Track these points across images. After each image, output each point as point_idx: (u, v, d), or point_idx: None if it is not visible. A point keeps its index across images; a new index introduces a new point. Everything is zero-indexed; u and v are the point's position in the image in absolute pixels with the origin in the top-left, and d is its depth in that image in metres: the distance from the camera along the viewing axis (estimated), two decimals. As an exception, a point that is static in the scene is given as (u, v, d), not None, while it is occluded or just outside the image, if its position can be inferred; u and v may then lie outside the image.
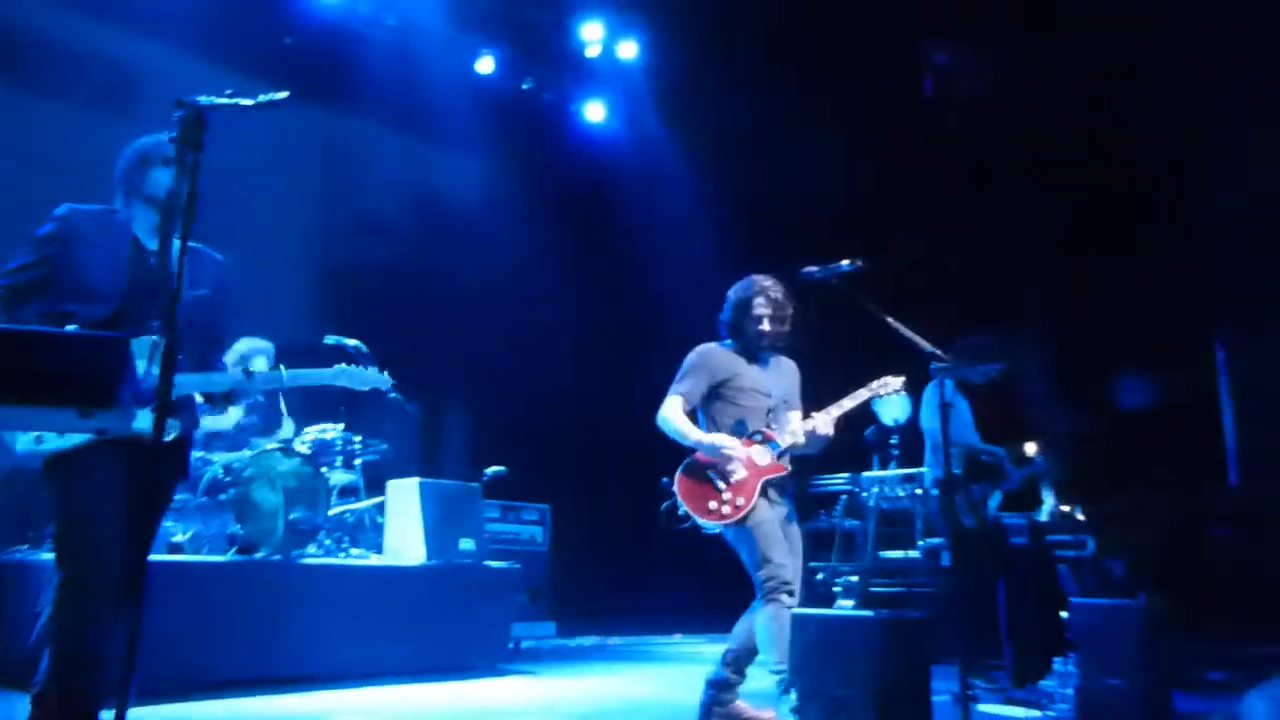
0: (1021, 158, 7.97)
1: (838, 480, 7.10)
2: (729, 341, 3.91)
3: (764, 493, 3.63)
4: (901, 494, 6.70)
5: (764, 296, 3.84)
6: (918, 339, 3.60)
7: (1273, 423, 6.77)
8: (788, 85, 8.24)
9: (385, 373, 3.30)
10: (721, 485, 3.59)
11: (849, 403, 3.74)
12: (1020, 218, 8.16)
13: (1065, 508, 5.86)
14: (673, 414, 3.71)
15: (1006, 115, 7.71)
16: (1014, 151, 7.87)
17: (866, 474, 6.98)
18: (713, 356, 3.84)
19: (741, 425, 3.76)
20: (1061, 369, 7.59)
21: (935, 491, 5.15)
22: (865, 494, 6.86)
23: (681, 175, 8.38)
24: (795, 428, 3.76)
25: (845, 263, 3.59)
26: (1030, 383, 7.07)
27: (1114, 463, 6.59)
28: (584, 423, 8.14)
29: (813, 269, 3.66)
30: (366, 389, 3.26)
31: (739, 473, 3.60)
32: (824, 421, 3.69)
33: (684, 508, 3.51)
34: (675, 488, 3.57)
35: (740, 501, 3.56)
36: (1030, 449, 5.11)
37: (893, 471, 6.83)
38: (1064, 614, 5.20)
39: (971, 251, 7.91)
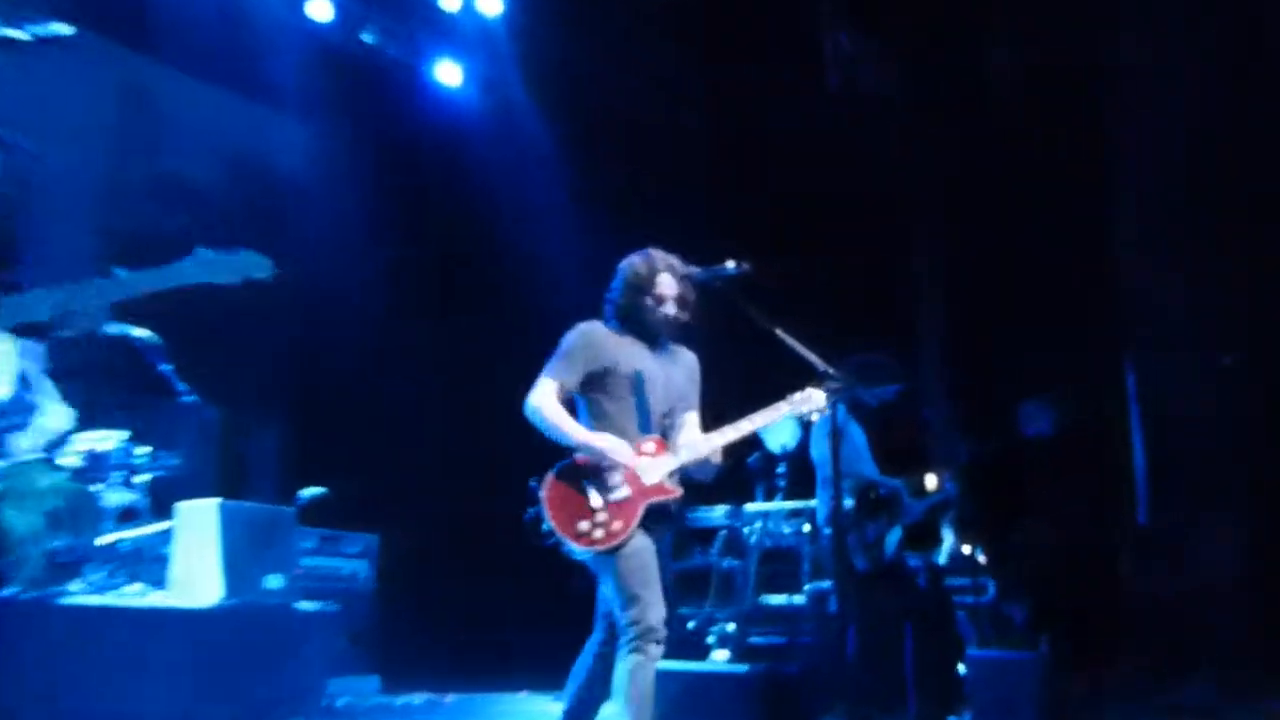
0: (923, 160, 8.23)
1: (715, 514, 7.10)
2: (616, 324, 3.86)
3: (644, 518, 3.57)
4: (788, 530, 6.75)
5: (671, 274, 3.80)
6: (810, 355, 3.71)
7: (1183, 449, 7.00)
8: (672, 61, 8.35)
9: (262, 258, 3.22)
10: (598, 502, 3.53)
11: (762, 418, 3.72)
12: (919, 225, 8.47)
13: (966, 548, 6.04)
14: (546, 402, 3.63)
15: (912, 114, 8.03)
16: (915, 153, 8.20)
17: (749, 507, 7.01)
18: (599, 338, 3.76)
19: (639, 426, 3.69)
20: (962, 392, 7.83)
21: (827, 529, 5.20)
22: (747, 530, 6.87)
23: (547, 151, 8.30)
24: (697, 439, 3.73)
25: (730, 264, 3.69)
26: (929, 407, 7.34)
27: (1017, 496, 6.87)
28: (425, 436, 8.03)
29: (693, 269, 3.75)
30: (238, 281, 3.16)
31: (621, 489, 3.55)
32: (727, 439, 3.69)
33: (548, 522, 3.45)
34: (543, 494, 3.49)
35: (617, 526, 3.50)
36: (931, 481, 5.23)
37: (779, 505, 6.87)
38: (961, 666, 5.41)
39: (865, 259, 8.01)
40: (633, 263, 3.86)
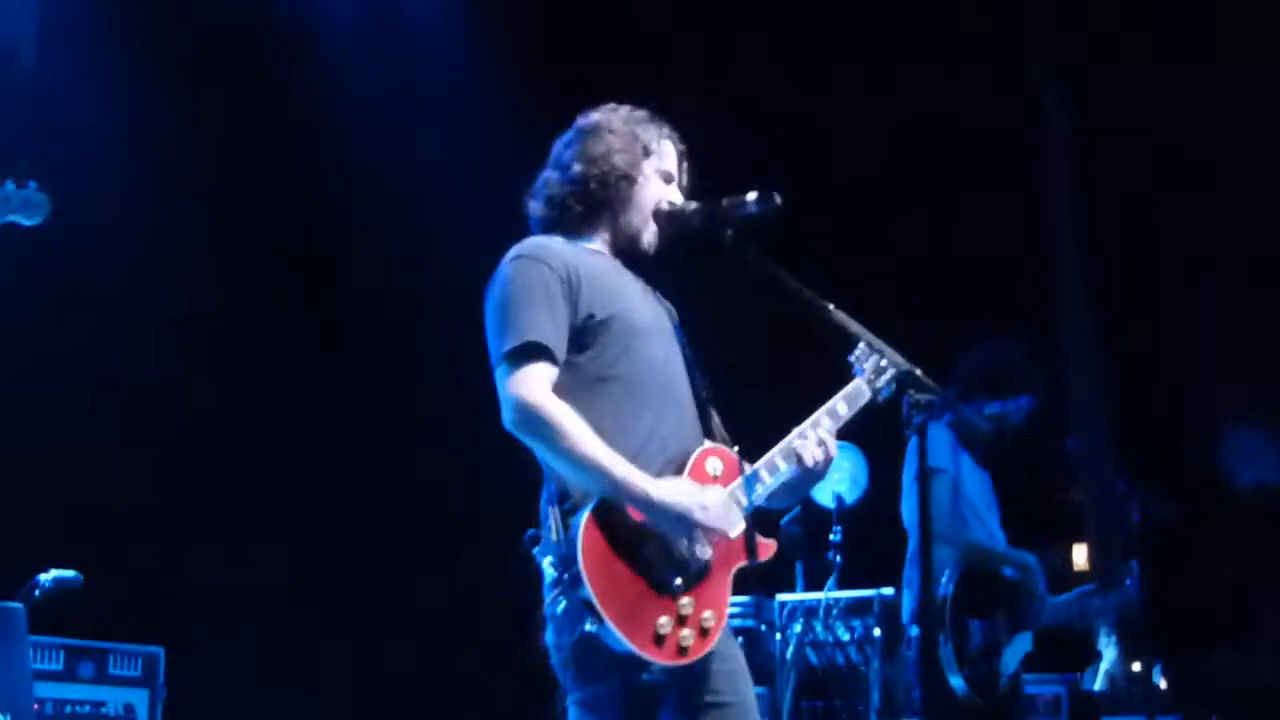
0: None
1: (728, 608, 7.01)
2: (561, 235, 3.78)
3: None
4: (846, 637, 6.67)
5: (671, 142, 3.77)
6: (888, 350, 3.65)
7: None
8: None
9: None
10: (679, 582, 3.40)
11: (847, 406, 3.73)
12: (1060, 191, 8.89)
13: (1136, 667, 6.02)
14: (546, 398, 3.49)
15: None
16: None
17: (783, 598, 6.93)
18: (574, 259, 3.64)
19: (673, 425, 3.59)
20: (1129, 412, 7.71)
21: (914, 631, 5.37)
22: (779, 636, 6.78)
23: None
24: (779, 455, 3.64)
25: (752, 196, 3.60)
26: (1078, 435, 7.21)
27: (1221, 586, 6.79)
28: (241, 484, 7.98)
29: (688, 204, 3.69)
30: None
31: (702, 550, 3.48)
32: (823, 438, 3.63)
33: (598, 609, 3.30)
34: (580, 554, 3.32)
35: (710, 623, 3.41)
36: (1083, 557, 5.20)
37: (830, 594, 6.75)
38: None
39: (988, 227, 8.34)
40: (606, 120, 3.77)
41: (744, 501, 3.58)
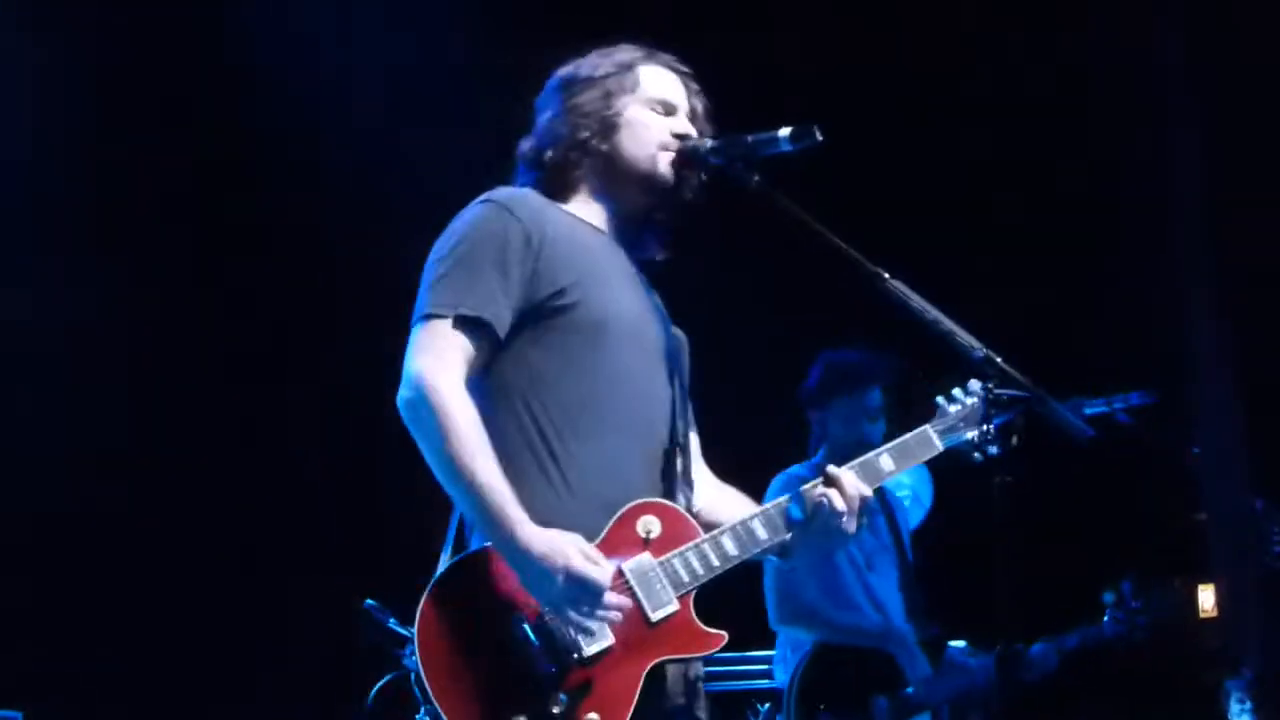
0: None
1: (755, 662, 7.02)
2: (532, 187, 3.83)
3: (653, 693, 3.49)
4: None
5: (665, 68, 3.88)
6: (956, 330, 3.66)
7: None
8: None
9: None
10: (545, 667, 3.42)
11: (902, 455, 3.88)
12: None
13: None
14: (446, 384, 3.52)
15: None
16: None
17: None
18: (534, 208, 3.70)
19: (598, 461, 3.61)
20: (1265, 410, 7.88)
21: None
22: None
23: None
24: (722, 502, 3.85)
25: (785, 133, 3.64)
26: (1213, 445, 7.26)
27: None
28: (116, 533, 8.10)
29: (704, 141, 3.75)
30: None
31: (598, 638, 3.46)
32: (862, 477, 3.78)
33: (439, 712, 3.39)
34: (416, 639, 3.41)
35: None
36: (1209, 602, 4.89)
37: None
38: None
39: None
40: (578, 68, 3.88)
41: (683, 577, 3.55)
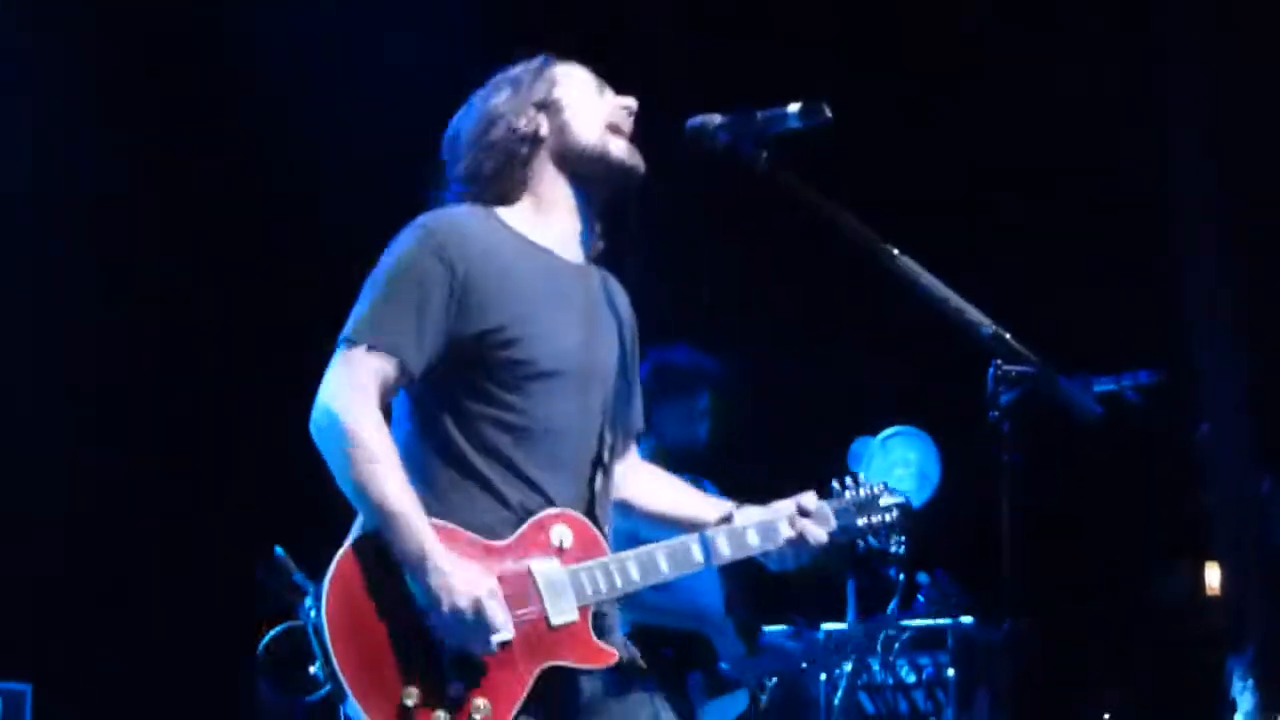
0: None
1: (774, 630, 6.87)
2: (471, 205, 3.82)
3: (540, 696, 3.49)
4: (911, 678, 6.76)
5: (578, 66, 3.90)
6: (969, 309, 3.62)
7: None
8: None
9: None
10: (450, 650, 3.48)
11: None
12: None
13: None
14: (358, 408, 3.57)
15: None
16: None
17: (829, 626, 6.92)
18: (474, 241, 3.70)
19: (552, 469, 3.68)
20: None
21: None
22: (822, 675, 6.76)
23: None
24: (681, 505, 3.97)
25: (794, 109, 3.65)
26: (1219, 424, 7.31)
27: None
28: (119, 508, 8.24)
29: (712, 118, 3.70)
30: None
31: (503, 633, 3.52)
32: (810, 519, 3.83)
33: (331, 662, 3.43)
34: (325, 594, 3.49)
35: (480, 715, 3.45)
36: (1214, 578, 4.81)
37: (920, 621, 6.77)
38: None
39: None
40: (481, 92, 3.91)
41: (587, 591, 3.61)
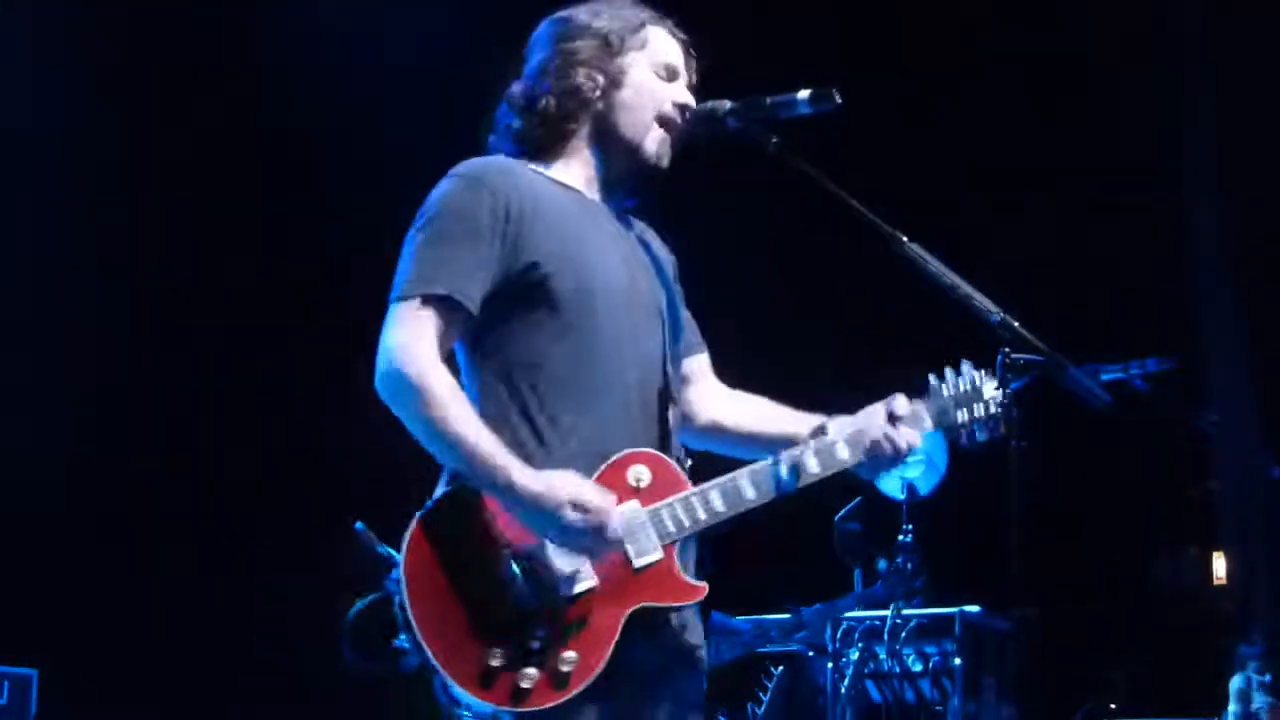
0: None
1: (761, 628, 6.86)
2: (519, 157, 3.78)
3: (631, 646, 3.47)
4: (918, 666, 6.74)
5: (667, 31, 3.84)
6: (976, 295, 3.63)
7: None
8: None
9: None
10: (528, 605, 3.45)
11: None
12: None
13: None
14: (425, 362, 3.54)
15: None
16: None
17: (834, 603, 6.77)
18: (507, 173, 3.68)
19: (580, 425, 3.61)
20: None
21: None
22: (829, 664, 6.74)
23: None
24: (758, 418, 3.93)
25: (804, 95, 3.67)
26: (1227, 413, 7.32)
27: None
28: (120, 494, 8.24)
29: (722, 103, 3.74)
30: None
31: (582, 578, 3.50)
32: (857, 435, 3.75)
33: (414, 632, 3.42)
34: (403, 567, 3.47)
35: (569, 665, 3.43)
36: (1222, 569, 4.81)
37: (899, 610, 6.67)
38: None
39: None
40: (574, 17, 3.81)
41: (669, 528, 3.56)
